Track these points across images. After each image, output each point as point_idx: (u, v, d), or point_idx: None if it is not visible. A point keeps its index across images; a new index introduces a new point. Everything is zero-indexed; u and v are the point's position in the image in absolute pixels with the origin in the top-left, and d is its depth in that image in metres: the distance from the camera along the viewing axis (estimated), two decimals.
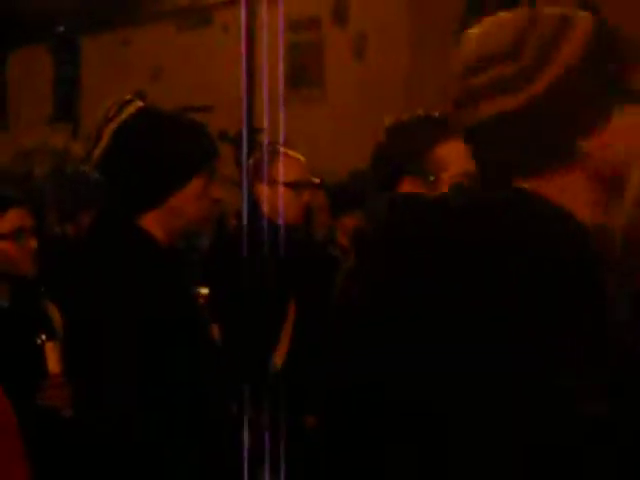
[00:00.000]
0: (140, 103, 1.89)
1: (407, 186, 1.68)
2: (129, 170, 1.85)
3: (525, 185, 1.03)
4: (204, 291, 2.26)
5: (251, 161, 3.05)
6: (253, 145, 5.43)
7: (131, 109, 1.89)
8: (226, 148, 5.84)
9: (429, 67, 8.84)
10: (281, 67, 7.16)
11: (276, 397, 2.17)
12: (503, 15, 1.06)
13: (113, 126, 1.88)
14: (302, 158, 2.90)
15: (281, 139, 4.38)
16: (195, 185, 1.89)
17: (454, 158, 1.57)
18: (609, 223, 1.00)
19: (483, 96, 1.01)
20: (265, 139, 5.13)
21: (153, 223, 1.87)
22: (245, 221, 2.75)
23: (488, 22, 1.06)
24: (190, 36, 10.25)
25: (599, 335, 0.90)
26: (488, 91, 1.00)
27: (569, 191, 1.02)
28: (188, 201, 1.89)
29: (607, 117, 1.00)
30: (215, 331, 2.12)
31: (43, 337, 2.14)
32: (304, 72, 8.96)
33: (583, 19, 1.03)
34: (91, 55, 12.18)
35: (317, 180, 2.97)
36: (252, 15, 8.40)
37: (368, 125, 8.46)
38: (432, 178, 1.64)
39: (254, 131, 6.00)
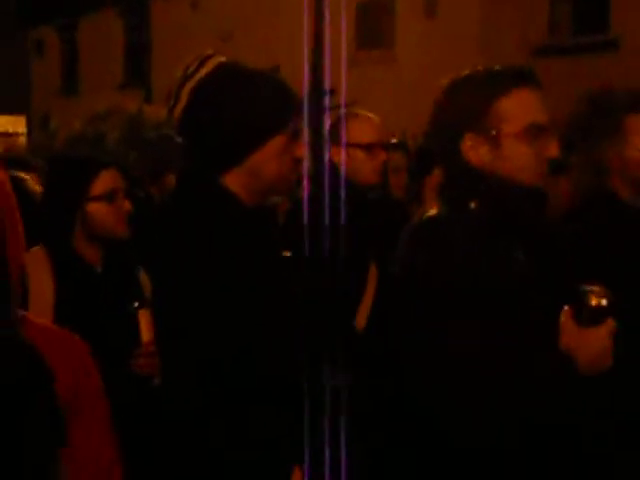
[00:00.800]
0: (221, 58, 1.82)
1: (468, 142, 1.60)
2: (209, 127, 1.78)
3: None
4: (286, 254, 2.23)
5: (328, 123, 2.99)
6: (322, 107, 5.35)
7: (210, 65, 1.81)
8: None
9: (501, 22, 8.57)
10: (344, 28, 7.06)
11: (358, 359, 2.13)
12: None
13: (192, 84, 1.81)
14: (377, 118, 2.83)
15: (345, 101, 4.27)
16: (277, 143, 1.80)
17: (516, 111, 1.53)
18: None
19: None
20: (339, 101, 5.03)
21: (235, 183, 1.80)
22: (324, 184, 2.69)
23: None
24: None
25: None
26: None
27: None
28: (269, 160, 1.81)
29: None
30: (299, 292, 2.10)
31: (136, 304, 2.11)
32: (374, 33, 8.80)
33: None
34: (161, 19, 12.23)
35: (393, 140, 2.89)
36: None
37: (439, 84, 8.32)
38: (494, 132, 1.57)
39: (321, 92, 5.92)
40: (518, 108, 1.54)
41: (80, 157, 2.45)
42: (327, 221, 2.27)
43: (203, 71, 1.76)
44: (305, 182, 3.28)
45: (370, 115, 2.84)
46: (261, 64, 6.44)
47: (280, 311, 1.72)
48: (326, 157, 2.78)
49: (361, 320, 2.34)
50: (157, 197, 2.68)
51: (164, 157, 2.67)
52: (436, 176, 3.19)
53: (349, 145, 2.68)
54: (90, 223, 2.16)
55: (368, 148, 2.66)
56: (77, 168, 2.25)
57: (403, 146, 3.44)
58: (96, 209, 2.16)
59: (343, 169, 2.67)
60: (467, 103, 1.61)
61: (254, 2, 10.32)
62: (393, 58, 8.71)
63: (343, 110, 3.22)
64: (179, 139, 1.87)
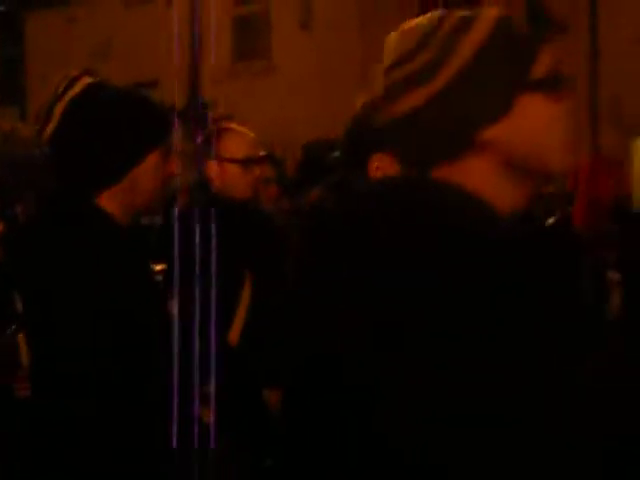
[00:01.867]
0: (89, 79, 1.85)
1: (377, 162, 1.71)
2: (83, 148, 1.81)
3: (436, 173, 1.08)
4: (160, 267, 2.25)
5: (201, 137, 3.02)
6: (201, 119, 5.39)
7: (79, 86, 1.84)
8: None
9: (378, 35, 8.80)
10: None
11: (233, 372, 2.17)
12: (419, 17, 1.13)
13: (62, 104, 1.83)
14: (250, 133, 2.89)
15: (223, 113, 4.32)
16: (152, 160, 1.85)
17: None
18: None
19: (396, 93, 1.07)
20: (214, 114, 5.09)
21: (109, 201, 1.84)
22: (196, 197, 2.72)
23: (406, 24, 1.14)
24: (136, 12, 10.10)
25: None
26: (399, 88, 1.07)
27: (477, 177, 1.07)
28: (145, 177, 1.86)
29: (508, 108, 1.05)
30: (173, 307, 2.11)
31: (13, 327, 2.08)
32: (251, 45, 8.90)
33: (484, 18, 1.09)
34: (36, 34, 11.92)
35: (264, 153, 2.97)
36: None
37: (317, 96, 8.49)
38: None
39: (202, 105, 5.96)
40: None
41: None
42: (198, 235, 2.30)
43: (72, 92, 1.77)
44: (180, 196, 3.28)
45: (244, 130, 2.90)
46: (139, 79, 6.42)
47: (151, 329, 1.75)
48: (200, 171, 2.81)
49: (234, 335, 2.38)
50: (21, 216, 2.61)
51: (26, 175, 2.61)
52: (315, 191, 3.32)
53: (224, 160, 2.72)
54: None
55: (243, 163, 2.71)
56: None
57: (272, 158, 3.54)
58: None
59: (216, 183, 2.71)
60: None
61: (132, 17, 10.24)
62: (271, 69, 8.85)
63: (215, 124, 3.26)
64: (46, 159, 1.87)
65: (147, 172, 1.80)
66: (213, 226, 2.30)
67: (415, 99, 1.07)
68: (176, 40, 7.26)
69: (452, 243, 0.97)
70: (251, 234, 2.56)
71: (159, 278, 2.19)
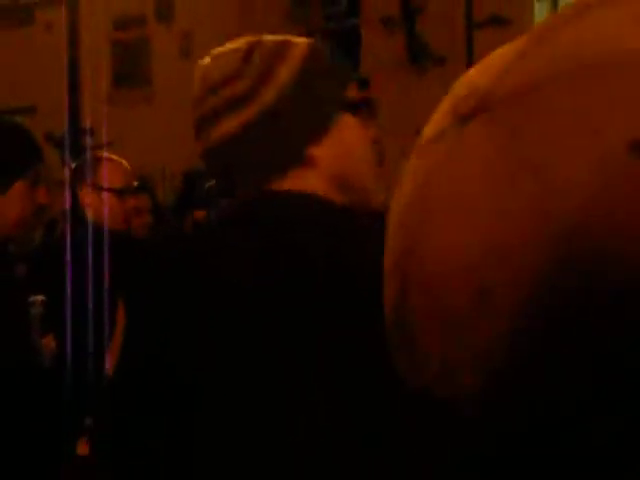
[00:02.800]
0: None
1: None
2: None
3: (271, 186, 1.12)
4: (40, 298, 2.18)
5: (74, 165, 3.00)
6: (79, 147, 5.30)
7: None
8: (53, 150, 5.62)
9: None
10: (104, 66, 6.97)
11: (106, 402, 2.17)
12: (227, 45, 1.18)
13: None
14: (126, 163, 2.90)
15: (104, 140, 4.29)
16: (17, 190, 1.83)
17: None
18: None
19: (219, 115, 1.11)
20: (90, 141, 5.00)
21: None
22: (69, 226, 2.69)
23: (215, 52, 1.19)
24: (11, 35, 9.72)
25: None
26: (222, 110, 1.11)
27: (309, 190, 1.12)
28: (10, 206, 1.83)
29: (327, 126, 1.12)
30: (50, 340, 2.06)
31: None
32: (130, 71, 8.77)
33: (298, 45, 1.16)
34: None
35: (138, 184, 2.99)
36: (75, 14, 8.13)
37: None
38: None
39: (80, 132, 5.84)
40: None
41: None
42: (69, 264, 2.29)
43: None
44: (58, 225, 3.20)
45: (120, 160, 2.91)
46: (16, 104, 6.22)
47: (23, 362, 1.74)
48: (73, 199, 2.79)
49: (111, 362, 2.36)
50: None
51: None
52: (199, 214, 3.33)
53: (101, 189, 2.71)
54: None
55: (119, 193, 2.71)
56: None
57: (148, 189, 3.56)
58: None
59: (90, 212, 2.70)
60: None
61: (8, 42, 9.85)
62: (151, 97, 8.74)
63: (91, 152, 3.25)
64: None
65: (13, 201, 1.78)
66: (88, 254, 2.30)
67: (243, 118, 1.10)
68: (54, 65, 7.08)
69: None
70: (125, 263, 2.56)
71: (38, 310, 2.13)
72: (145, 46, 8.80)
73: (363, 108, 1.16)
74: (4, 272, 1.98)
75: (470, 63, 7.60)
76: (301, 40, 1.18)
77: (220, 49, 1.19)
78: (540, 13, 8.09)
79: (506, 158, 0.35)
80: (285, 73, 1.11)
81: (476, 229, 0.34)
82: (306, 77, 1.12)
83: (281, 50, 1.14)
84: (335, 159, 1.14)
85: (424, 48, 7.30)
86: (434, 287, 0.35)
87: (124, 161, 2.94)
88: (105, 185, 2.75)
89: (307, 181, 1.14)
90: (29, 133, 2.03)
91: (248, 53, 1.15)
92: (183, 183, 5.44)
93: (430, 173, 0.37)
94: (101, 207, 2.69)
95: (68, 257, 2.41)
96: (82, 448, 2.01)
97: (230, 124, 1.12)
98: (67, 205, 2.96)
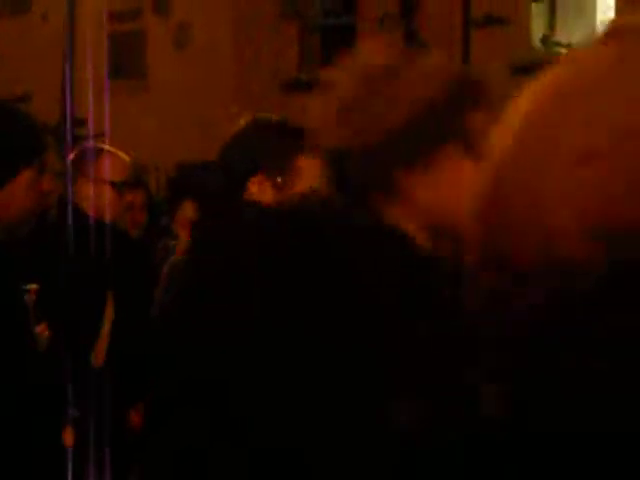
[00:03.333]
0: None
1: (256, 183, 1.74)
2: None
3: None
4: (33, 286, 2.17)
5: (72, 156, 2.97)
6: (74, 137, 5.26)
7: None
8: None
9: (253, 56, 8.99)
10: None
11: (98, 394, 2.16)
12: (368, 65, 1.13)
13: None
14: (127, 157, 2.86)
15: (98, 131, 4.25)
16: (24, 177, 1.85)
17: (309, 171, 1.67)
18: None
19: (355, 128, 1.07)
20: (88, 132, 4.96)
21: None
22: (68, 217, 2.68)
23: (354, 69, 1.13)
24: (8, 24, 9.74)
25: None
26: (358, 125, 1.06)
27: (392, 222, 1.08)
28: (18, 194, 1.86)
29: (427, 159, 1.06)
30: (43, 328, 2.08)
31: None
32: (126, 63, 8.82)
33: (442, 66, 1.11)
34: None
35: (137, 179, 2.98)
36: (72, 4, 8.12)
37: (191, 115, 8.48)
38: (279, 180, 1.68)
39: (75, 122, 5.82)
40: (311, 169, 1.64)
41: None
42: (64, 254, 2.28)
43: None
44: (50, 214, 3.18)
45: (121, 153, 2.87)
46: (13, 92, 6.13)
47: (12, 350, 1.73)
48: (68, 190, 2.77)
49: (99, 356, 2.37)
50: None
51: None
52: (186, 209, 3.32)
53: (99, 181, 2.68)
54: None
55: (118, 187, 2.68)
56: None
57: (144, 184, 3.55)
58: None
59: (86, 203, 2.68)
60: (265, 147, 1.73)
61: (5, 31, 9.89)
62: (146, 88, 8.81)
63: (87, 142, 3.21)
64: None
65: (19, 190, 1.80)
66: (81, 246, 2.29)
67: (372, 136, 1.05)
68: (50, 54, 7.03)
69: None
70: (116, 256, 2.54)
71: (32, 298, 2.16)
72: (141, 37, 8.88)
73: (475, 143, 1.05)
74: (8, 259, 1.99)
75: (466, 61, 7.62)
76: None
77: (355, 67, 1.14)
78: (536, 13, 8.13)
79: None
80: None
81: None
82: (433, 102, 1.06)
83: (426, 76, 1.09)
84: (431, 193, 1.07)
85: (422, 46, 7.31)
86: None
87: (123, 154, 2.91)
88: (106, 177, 2.73)
89: (391, 211, 1.07)
90: (34, 121, 2.04)
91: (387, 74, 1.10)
92: (175, 174, 5.41)
93: None
94: (99, 200, 2.67)
95: (61, 248, 2.40)
96: (67, 438, 2.03)
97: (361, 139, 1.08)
98: (65, 195, 2.94)
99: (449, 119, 1.05)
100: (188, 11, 8.74)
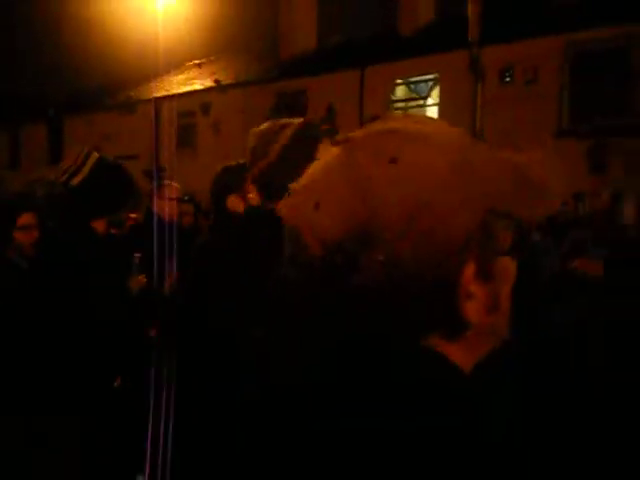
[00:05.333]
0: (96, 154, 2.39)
1: (234, 201, 2.13)
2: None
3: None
4: (138, 255, 2.79)
5: (154, 186, 3.73)
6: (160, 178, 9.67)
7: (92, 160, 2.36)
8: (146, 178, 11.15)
9: None
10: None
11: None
12: (266, 124, 1.71)
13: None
14: (178, 185, 3.71)
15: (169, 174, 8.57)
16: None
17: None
18: None
19: (251, 165, 1.68)
20: (164, 175, 8.52)
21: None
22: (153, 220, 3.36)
23: (260, 127, 1.72)
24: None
25: None
26: (251, 163, 1.70)
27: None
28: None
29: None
30: (143, 278, 2.73)
31: None
32: (185, 140, 14.17)
33: (292, 124, 1.66)
34: None
35: (186, 197, 4.12)
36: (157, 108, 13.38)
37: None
38: (245, 194, 1.98)
39: (160, 169, 10.35)
40: None
41: None
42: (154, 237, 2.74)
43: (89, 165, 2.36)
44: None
45: (175, 184, 3.75)
46: (127, 153, 14.10)
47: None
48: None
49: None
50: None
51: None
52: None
53: (166, 199, 3.51)
54: None
55: (176, 202, 3.57)
56: None
57: (192, 200, 4.78)
58: None
59: (161, 212, 3.44)
60: (237, 177, 2.09)
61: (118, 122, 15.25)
62: (195, 154, 13.98)
63: (163, 181, 4.00)
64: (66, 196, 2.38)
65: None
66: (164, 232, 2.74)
67: (261, 166, 1.62)
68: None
69: None
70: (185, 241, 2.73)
71: (137, 261, 2.82)
72: (193, 127, 14.54)
73: None
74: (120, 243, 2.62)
75: None
76: (294, 122, 1.70)
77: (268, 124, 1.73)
78: None
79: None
80: (279, 146, 1.67)
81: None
82: (293, 147, 1.64)
83: (282, 128, 1.65)
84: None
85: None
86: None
87: (178, 185, 3.77)
88: (170, 196, 3.54)
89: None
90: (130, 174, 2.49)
91: (275, 132, 1.66)
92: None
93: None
94: (167, 209, 3.41)
95: (152, 233, 2.79)
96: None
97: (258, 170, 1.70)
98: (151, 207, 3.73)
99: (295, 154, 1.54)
100: (221, 113, 13.75)
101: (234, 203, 2.13)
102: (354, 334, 0.63)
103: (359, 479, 0.60)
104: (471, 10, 9.18)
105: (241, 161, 2.11)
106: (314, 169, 0.69)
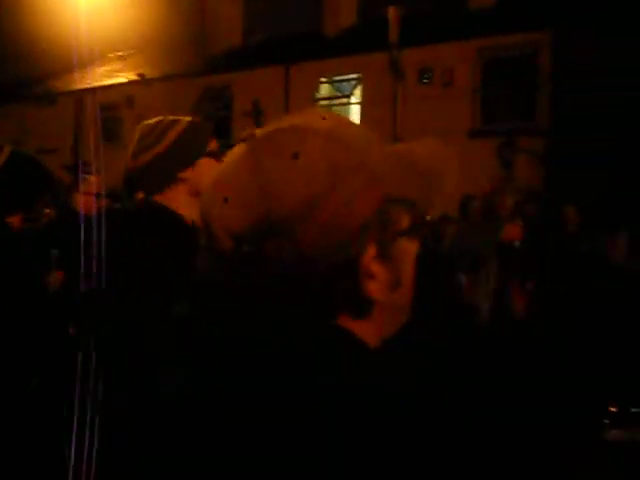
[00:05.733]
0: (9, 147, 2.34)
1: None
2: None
3: (156, 198, 1.65)
4: (56, 251, 2.76)
5: (73, 180, 3.75)
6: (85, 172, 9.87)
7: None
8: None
9: None
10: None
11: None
12: (158, 118, 1.74)
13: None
14: (98, 180, 3.66)
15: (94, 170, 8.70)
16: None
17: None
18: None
19: (134, 156, 1.73)
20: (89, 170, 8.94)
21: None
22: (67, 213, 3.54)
23: (151, 120, 1.74)
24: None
25: None
26: (135, 154, 1.72)
27: (177, 201, 1.68)
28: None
29: (194, 161, 1.68)
30: (60, 274, 2.64)
31: None
32: (109, 133, 13.83)
33: (183, 120, 1.73)
34: None
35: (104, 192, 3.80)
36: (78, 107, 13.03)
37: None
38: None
39: (85, 164, 10.32)
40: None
41: None
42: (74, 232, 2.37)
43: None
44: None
45: (94, 178, 3.63)
46: (46, 146, 13.66)
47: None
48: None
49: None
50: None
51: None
52: None
53: (85, 193, 3.47)
54: None
55: (95, 196, 3.45)
56: None
57: (113, 195, 4.55)
58: None
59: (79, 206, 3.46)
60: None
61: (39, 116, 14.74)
62: (119, 148, 13.95)
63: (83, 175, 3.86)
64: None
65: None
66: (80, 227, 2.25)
67: (144, 159, 1.65)
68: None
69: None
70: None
71: (54, 257, 2.76)
72: (118, 120, 14.29)
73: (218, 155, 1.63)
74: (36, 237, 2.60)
75: None
76: (182, 119, 1.70)
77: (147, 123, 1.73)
78: None
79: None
80: (169, 139, 1.67)
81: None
82: (182, 139, 1.68)
83: (168, 126, 1.68)
84: (198, 181, 1.64)
85: None
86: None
87: (97, 179, 3.69)
88: (88, 191, 3.50)
89: (178, 196, 1.66)
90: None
91: (155, 126, 1.70)
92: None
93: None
94: (84, 204, 3.40)
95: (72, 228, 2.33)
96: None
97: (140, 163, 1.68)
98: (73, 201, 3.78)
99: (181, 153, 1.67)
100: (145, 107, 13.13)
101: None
102: (265, 318, 0.67)
103: (268, 435, 0.64)
104: (391, 13, 9.45)
105: None
106: (224, 165, 0.73)
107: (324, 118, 0.73)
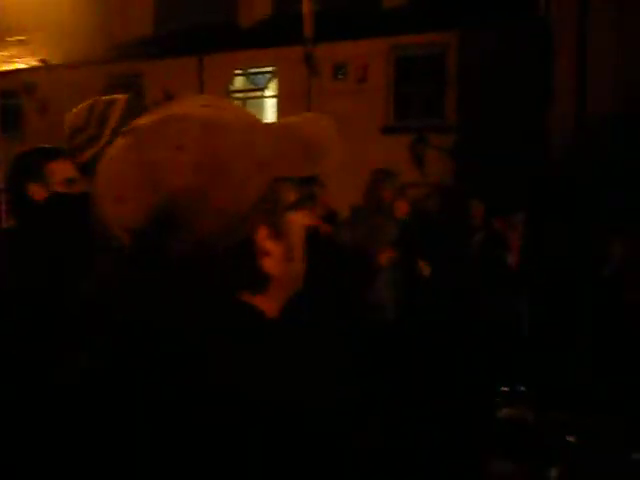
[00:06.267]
0: None
1: (34, 188, 1.96)
2: None
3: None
4: None
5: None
6: None
7: None
8: None
9: None
10: None
11: None
12: (87, 102, 1.54)
13: None
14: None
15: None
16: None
17: (60, 170, 1.95)
18: None
19: (79, 150, 1.54)
20: None
21: None
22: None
23: (80, 106, 1.55)
24: None
25: None
26: (80, 148, 1.53)
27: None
28: None
29: None
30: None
31: None
32: (8, 122, 13.45)
33: (120, 99, 1.54)
34: None
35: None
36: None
37: None
38: (47, 181, 1.95)
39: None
40: (60, 169, 1.92)
41: None
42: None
43: None
44: None
45: None
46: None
47: None
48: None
49: None
50: None
51: None
52: None
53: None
54: None
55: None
56: None
57: None
58: None
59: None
60: (33, 163, 1.99)
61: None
62: (23, 138, 13.18)
63: None
64: None
65: None
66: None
67: (88, 155, 1.48)
68: None
69: None
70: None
71: None
72: (18, 108, 13.70)
73: None
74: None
75: None
76: (120, 97, 1.53)
77: (83, 105, 1.54)
78: None
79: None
80: (113, 119, 1.49)
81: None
82: (124, 120, 1.46)
83: (107, 108, 1.49)
84: None
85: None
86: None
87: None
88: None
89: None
90: None
91: (89, 111, 1.51)
92: None
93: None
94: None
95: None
96: None
97: (85, 157, 1.50)
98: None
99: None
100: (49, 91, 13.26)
101: (35, 190, 1.99)
102: (172, 303, 0.69)
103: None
104: (305, 8, 9.42)
105: (40, 145, 2.04)
106: (110, 162, 0.72)
107: (204, 105, 0.74)
